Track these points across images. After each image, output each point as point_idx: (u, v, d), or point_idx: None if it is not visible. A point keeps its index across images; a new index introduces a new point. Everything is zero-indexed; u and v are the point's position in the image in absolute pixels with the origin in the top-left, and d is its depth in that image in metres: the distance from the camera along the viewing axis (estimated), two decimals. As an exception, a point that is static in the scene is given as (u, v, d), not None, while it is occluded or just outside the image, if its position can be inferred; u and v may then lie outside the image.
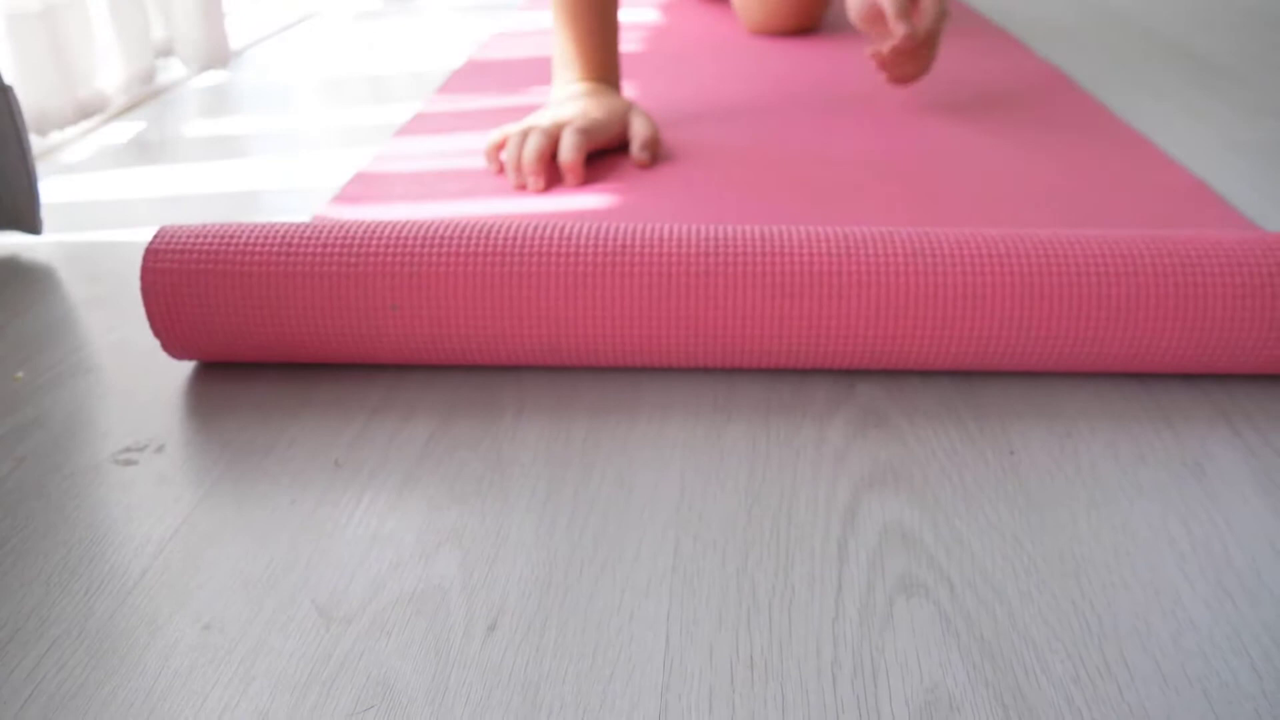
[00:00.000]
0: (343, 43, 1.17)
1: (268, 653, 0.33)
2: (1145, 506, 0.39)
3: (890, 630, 0.33)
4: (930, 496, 0.40)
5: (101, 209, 0.69)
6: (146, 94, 0.96)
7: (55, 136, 0.83)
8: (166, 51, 1.01)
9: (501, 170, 0.73)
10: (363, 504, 0.40)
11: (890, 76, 0.84)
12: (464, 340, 0.46)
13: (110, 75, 0.88)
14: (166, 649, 0.33)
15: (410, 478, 0.41)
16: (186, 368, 0.49)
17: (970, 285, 0.45)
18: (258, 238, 0.46)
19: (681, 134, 0.81)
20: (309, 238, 0.46)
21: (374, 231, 0.46)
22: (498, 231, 0.46)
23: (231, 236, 0.47)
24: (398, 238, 0.46)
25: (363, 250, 0.46)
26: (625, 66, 1.01)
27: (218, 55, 1.03)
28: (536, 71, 1.00)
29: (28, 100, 0.77)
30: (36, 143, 0.81)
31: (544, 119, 0.72)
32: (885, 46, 0.79)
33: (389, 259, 0.45)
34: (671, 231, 0.46)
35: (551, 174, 0.71)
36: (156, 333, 0.47)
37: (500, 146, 0.73)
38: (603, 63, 0.78)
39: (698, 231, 0.46)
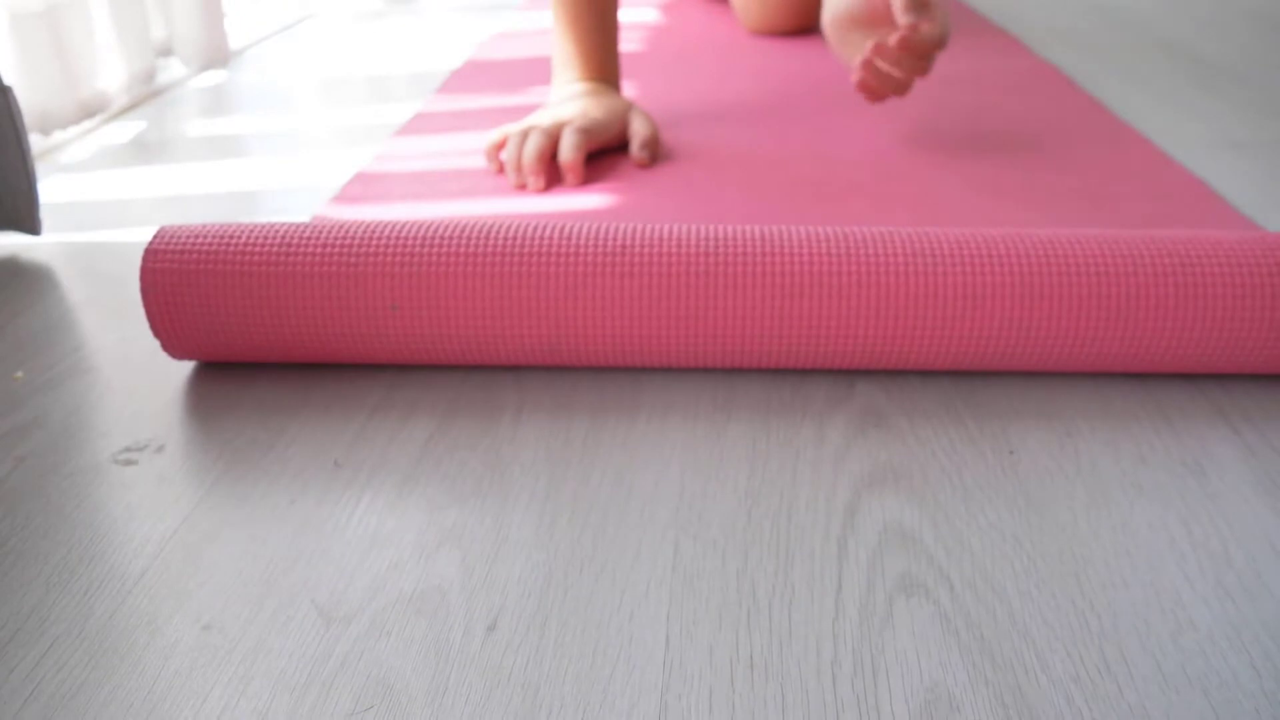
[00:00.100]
0: (343, 43, 1.17)
1: (267, 653, 0.33)
2: (1145, 506, 0.39)
3: (890, 630, 0.33)
4: (930, 496, 0.40)
5: (101, 209, 0.69)
6: (146, 94, 0.96)
7: (57, 136, 0.83)
8: (166, 51, 1.01)
9: (501, 170, 0.73)
10: (362, 504, 0.40)
11: (873, 89, 0.75)
12: (464, 340, 0.46)
13: (111, 75, 0.88)
14: (166, 649, 0.33)
15: (410, 478, 0.41)
16: (186, 368, 0.49)
17: (970, 285, 0.45)
18: (258, 238, 0.46)
19: (681, 134, 0.81)
20: (309, 238, 0.46)
21: (374, 231, 0.46)
22: (498, 231, 0.46)
23: (231, 236, 0.47)
24: (398, 238, 0.46)
25: (363, 250, 0.46)
26: (625, 66, 1.01)
27: (218, 55, 1.03)
28: (536, 71, 1.00)
29: (31, 100, 0.78)
30: (37, 142, 0.81)
31: (544, 119, 0.72)
32: (893, 39, 0.74)
33: (389, 259, 0.45)
34: (671, 231, 0.46)
35: (551, 174, 0.71)
36: (156, 333, 0.47)
37: (500, 146, 0.73)
38: (602, 63, 0.78)
39: (698, 231, 0.46)
